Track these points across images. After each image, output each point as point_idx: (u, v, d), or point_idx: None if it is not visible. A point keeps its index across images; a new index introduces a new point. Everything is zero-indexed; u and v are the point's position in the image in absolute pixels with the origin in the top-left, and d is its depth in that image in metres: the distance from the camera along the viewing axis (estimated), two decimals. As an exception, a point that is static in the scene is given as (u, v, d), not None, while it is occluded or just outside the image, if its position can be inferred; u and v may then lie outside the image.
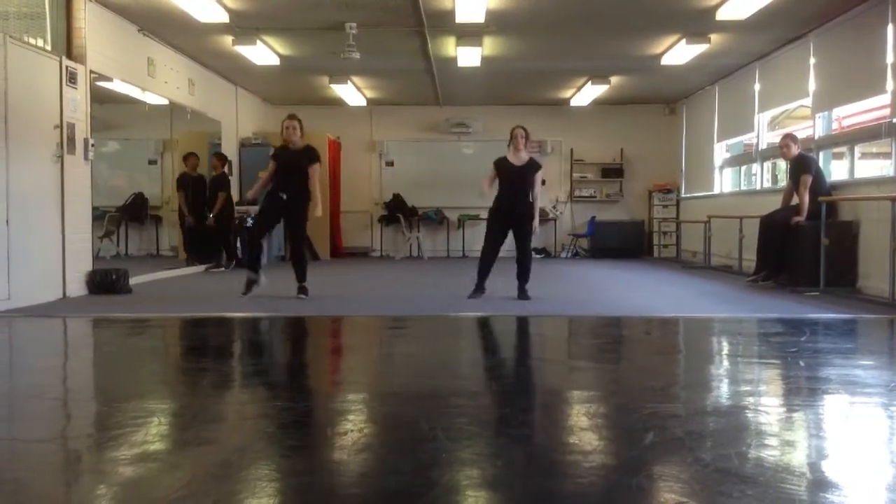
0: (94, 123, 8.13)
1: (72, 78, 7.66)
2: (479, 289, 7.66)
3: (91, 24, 8.05)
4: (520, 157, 7.66)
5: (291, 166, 7.54)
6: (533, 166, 7.64)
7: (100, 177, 8.87)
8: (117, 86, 9.01)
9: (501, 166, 7.68)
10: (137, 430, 3.08)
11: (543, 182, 7.86)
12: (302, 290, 7.64)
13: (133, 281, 8.42)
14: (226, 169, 11.55)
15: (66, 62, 7.60)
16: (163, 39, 9.79)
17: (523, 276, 7.67)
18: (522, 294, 7.57)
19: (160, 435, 3.09)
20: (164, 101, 10.28)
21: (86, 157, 7.95)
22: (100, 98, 8.47)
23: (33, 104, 7.13)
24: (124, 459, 2.69)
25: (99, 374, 4.67)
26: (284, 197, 7.51)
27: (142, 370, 4.71)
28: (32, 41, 7.28)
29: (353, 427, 3.22)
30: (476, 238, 15.27)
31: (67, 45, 7.87)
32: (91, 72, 8.08)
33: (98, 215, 8.77)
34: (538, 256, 14.92)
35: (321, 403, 3.73)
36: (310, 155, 7.59)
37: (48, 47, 7.51)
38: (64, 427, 3.31)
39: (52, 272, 7.48)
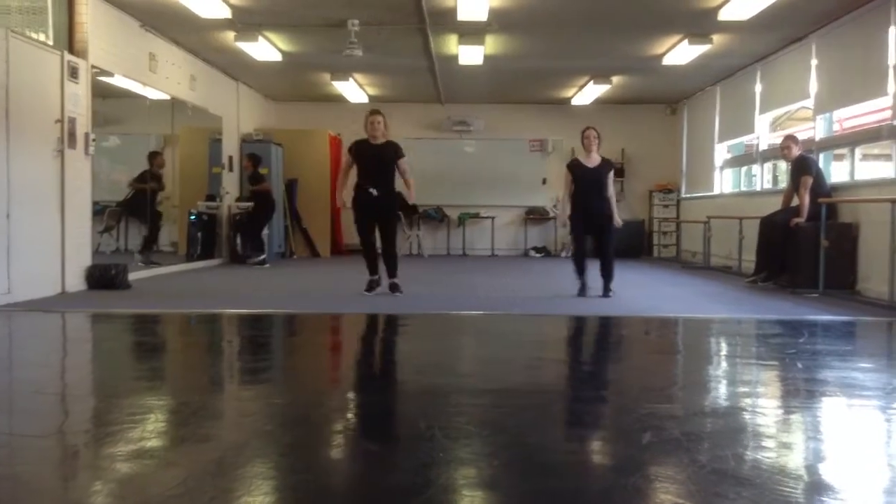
0: (95, 118, 8.13)
1: (73, 72, 7.66)
2: (584, 286, 7.74)
3: (93, 18, 8.04)
4: (592, 159, 7.73)
5: (377, 161, 7.56)
6: (607, 166, 7.75)
7: (100, 171, 8.86)
8: (119, 81, 9.01)
9: (575, 169, 7.76)
10: (135, 426, 3.08)
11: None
12: (394, 286, 7.71)
13: (132, 276, 8.42)
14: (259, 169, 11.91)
15: (67, 57, 7.60)
16: (164, 35, 9.79)
17: (607, 275, 7.70)
18: (606, 292, 7.62)
19: (157, 431, 3.09)
20: (166, 97, 10.28)
21: (86, 152, 7.95)
22: (101, 93, 8.47)
23: (35, 98, 7.12)
24: (121, 456, 2.69)
25: (97, 369, 4.67)
26: (375, 193, 7.52)
27: (139, 366, 4.72)
28: (34, 36, 7.28)
29: (350, 425, 3.22)
30: (476, 237, 15.32)
31: (69, 40, 7.86)
32: (92, 66, 8.08)
33: (98, 210, 8.77)
34: (538, 255, 14.95)
35: (319, 401, 3.74)
36: (396, 149, 7.67)
37: (50, 42, 7.50)
38: (62, 422, 3.32)
39: (51, 267, 7.48)
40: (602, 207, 7.63)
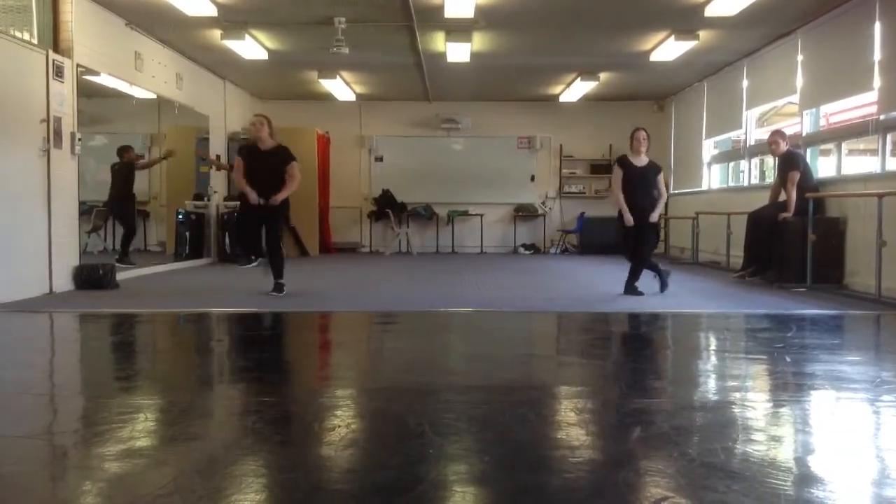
0: (81, 117, 8.08)
1: (58, 72, 7.61)
2: (663, 282, 7.65)
3: (78, 17, 7.99)
4: (641, 160, 7.60)
5: (264, 167, 7.37)
6: (654, 168, 7.61)
7: (87, 171, 8.81)
8: (104, 80, 8.96)
9: (626, 167, 7.61)
10: (124, 425, 3.06)
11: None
12: (278, 287, 7.52)
13: (120, 276, 8.38)
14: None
15: (52, 56, 7.55)
16: (150, 33, 9.74)
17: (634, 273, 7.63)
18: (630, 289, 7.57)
19: (146, 431, 3.07)
20: (152, 96, 10.23)
21: (73, 152, 7.90)
22: (87, 92, 8.41)
23: (19, 98, 7.08)
24: (110, 455, 2.68)
25: (85, 369, 4.65)
26: (261, 202, 7.30)
27: (128, 366, 4.70)
28: (18, 35, 7.23)
29: (340, 422, 3.21)
30: (465, 234, 15.32)
31: (54, 39, 7.82)
32: (78, 65, 8.03)
33: (85, 210, 8.71)
34: (527, 252, 14.96)
35: (309, 399, 3.72)
36: (284, 155, 7.44)
37: (34, 41, 7.45)
38: (50, 423, 3.30)
39: (38, 267, 7.43)
40: (646, 207, 7.46)
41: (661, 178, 7.63)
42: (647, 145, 7.59)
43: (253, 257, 7.92)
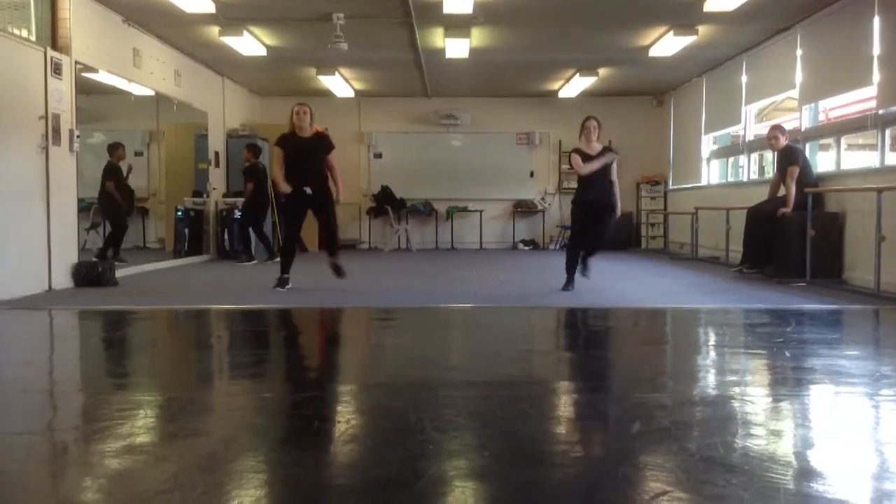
0: (79, 114, 8.08)
1: (57, 69, 7.60)
2: (570, 282, 7.64)
3: (76, 14, 7.98)
4: (592, 148, 7.58)
5: (304, 155, 7.40)
6: (608, 153, 7.58)
7: (86, 168, 8.80)
8: (103, 77, 8.95)
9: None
10: (124, 422, 3.07)
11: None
12: (337, 268, 7.71)
13: (119, 273, 8.38)
14: (260, 159, 11.57)
15: (50, 53, 7.54)
16: (149, 30, 9.73)
17: (590, 253, 7.68)
18: (584, 270, 7.64)
19: (147, 427, 3.08)
20: (151, 93, 10.21)
21: (71, 149, 7.89)
22: (85, 89, 8.40)
23: (18, 95, 7.07)
24: (111, 452, 2.68)
25: (85, 366, 4.65)
26: (309, 191, 7.38)
27: (128, 362, 4.71)
28: (17, 32, 7.22)
29: (340, 418, 3.22)
30: (464, 231, 15.33)
31: (52, 36, 7.80)
32: (76, 62, 8.02)
33: (84, 207, 8.70)
34: (526, 248, 14.96)
35: (309, 394, 3.73)
36: (325, 143, 7.53)
37: (33, 38, 7.44)
38: (50, 420, 3.30)
39: (37, 264, 7.43)
40: (603, 195, 7.46)
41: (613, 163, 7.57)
42: (597, 134, 7.57)
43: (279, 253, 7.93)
